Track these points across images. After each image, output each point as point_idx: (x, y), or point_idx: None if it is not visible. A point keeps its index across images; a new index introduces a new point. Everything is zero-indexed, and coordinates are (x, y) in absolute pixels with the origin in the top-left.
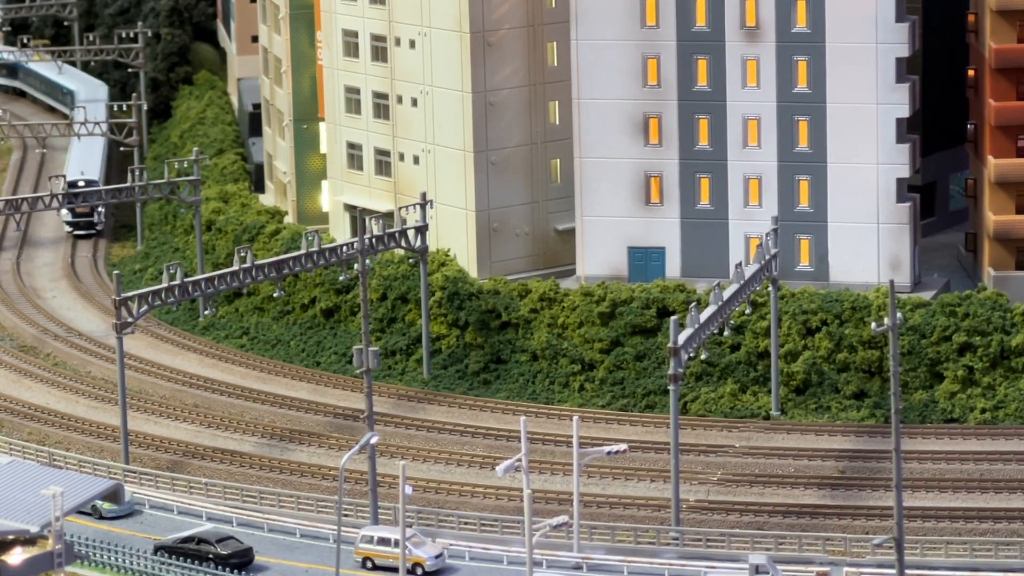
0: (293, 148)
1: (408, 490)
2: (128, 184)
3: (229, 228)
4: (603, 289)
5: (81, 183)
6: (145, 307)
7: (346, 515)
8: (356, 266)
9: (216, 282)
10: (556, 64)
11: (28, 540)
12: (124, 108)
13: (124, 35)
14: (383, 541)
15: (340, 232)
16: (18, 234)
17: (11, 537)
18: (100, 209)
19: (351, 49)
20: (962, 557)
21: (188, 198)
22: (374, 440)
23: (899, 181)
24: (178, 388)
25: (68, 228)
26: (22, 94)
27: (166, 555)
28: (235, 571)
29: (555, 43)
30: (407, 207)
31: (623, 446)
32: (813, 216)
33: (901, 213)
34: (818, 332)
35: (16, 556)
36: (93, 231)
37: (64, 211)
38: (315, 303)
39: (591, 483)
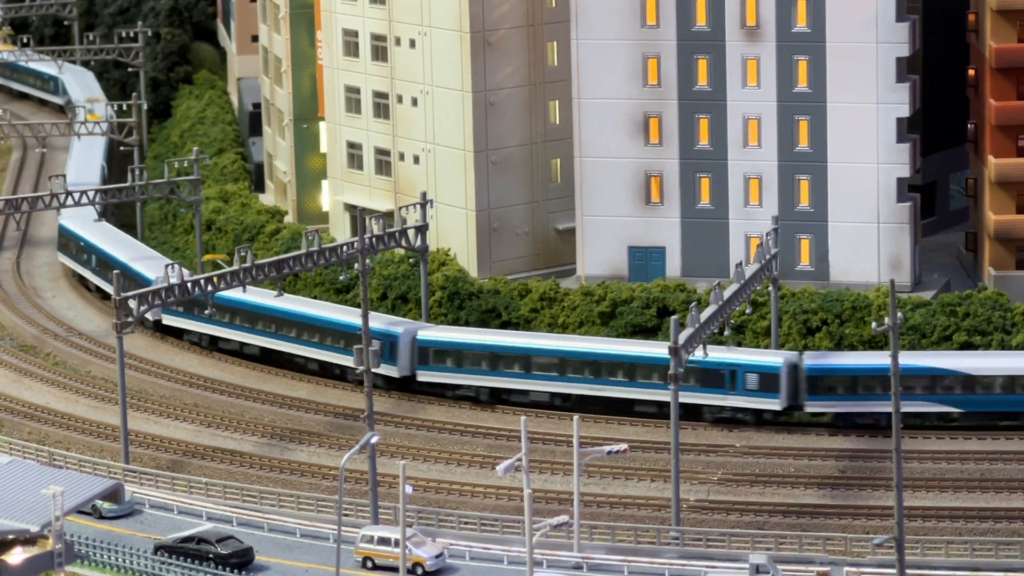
0: (293, 148)
1: (408, 490)
2: (128, 184)
3: (229, 228)
4: (603, 289)
5: None
6: (145, 307)
7: (346, 515)
8: (356, 266)
9: (216, 282)
10: (556, 64)
11: (28, 540)
12: (124, 108)
13: (124, 35)
14: (383, 541)
15: (340, 232)
16: (18, 234)
17: (11, 537)
18: None
19: (351, 49)
20: (962, 557)
21: (188, 198)
22: (374, 440)
23: (899, 181)
24: (178, 388)
25: None
26: None
27: (166, 555)
28: (235, 571)
29: (555, 43)
30: (407, 207)
31: (623, 446)
32: (813, 216)
33: (901, 213)
34: (818, 332)
35: (16, 556)
36: None
37: None
38: None
39: (591, 483)
